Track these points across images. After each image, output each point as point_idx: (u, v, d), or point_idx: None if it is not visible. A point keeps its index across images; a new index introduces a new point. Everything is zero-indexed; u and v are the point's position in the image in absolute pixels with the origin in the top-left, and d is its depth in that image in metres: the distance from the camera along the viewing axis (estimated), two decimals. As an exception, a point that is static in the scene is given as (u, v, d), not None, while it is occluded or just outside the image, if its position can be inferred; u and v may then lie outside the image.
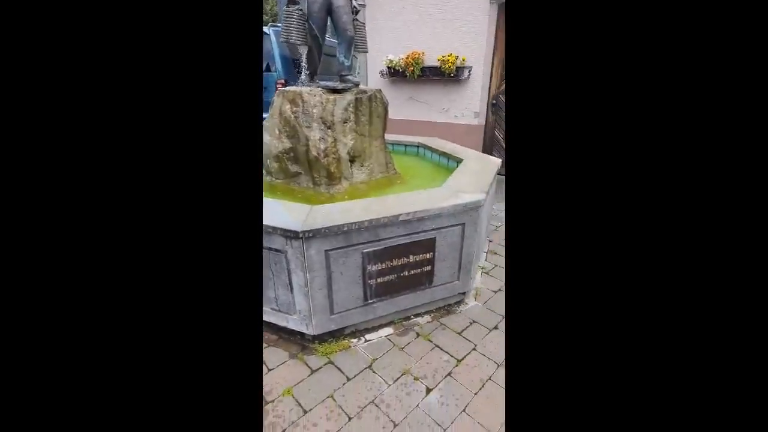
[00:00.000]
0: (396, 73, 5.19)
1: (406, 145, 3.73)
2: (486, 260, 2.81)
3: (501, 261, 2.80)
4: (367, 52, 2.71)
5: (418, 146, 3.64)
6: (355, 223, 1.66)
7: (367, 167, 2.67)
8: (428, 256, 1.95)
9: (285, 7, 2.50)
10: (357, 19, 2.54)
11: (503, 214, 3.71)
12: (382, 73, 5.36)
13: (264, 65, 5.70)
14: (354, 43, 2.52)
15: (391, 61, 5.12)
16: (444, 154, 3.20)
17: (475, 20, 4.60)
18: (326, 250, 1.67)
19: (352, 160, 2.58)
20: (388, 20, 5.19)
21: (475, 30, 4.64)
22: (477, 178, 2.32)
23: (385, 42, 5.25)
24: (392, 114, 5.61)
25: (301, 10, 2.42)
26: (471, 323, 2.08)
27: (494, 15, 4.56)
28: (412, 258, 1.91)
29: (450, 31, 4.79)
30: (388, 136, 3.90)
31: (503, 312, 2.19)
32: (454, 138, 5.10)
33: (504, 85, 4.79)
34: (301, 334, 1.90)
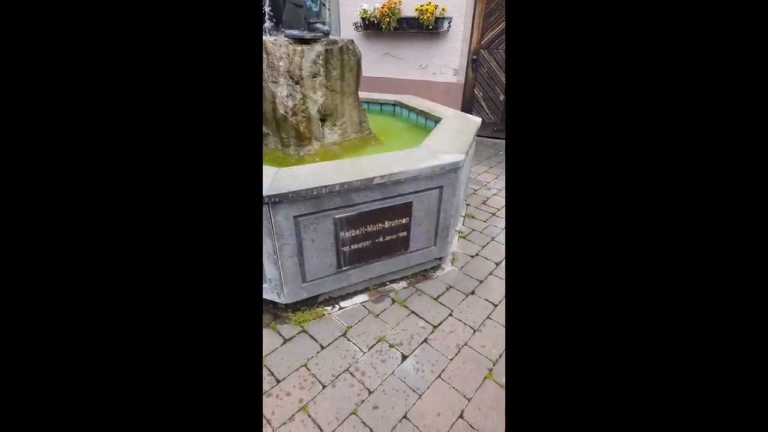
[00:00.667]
0: (371, 26, 4.81)
1: (381, 104, 3.51)
2: (463, 224, 2.77)
3: (479, 225, 2.77)
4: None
5: (394, 105, 3.44)
6: (325, 186, 1.53)
7: (340, 127, 2.49)
8: (404, 221, 1.87)
9: None
10: (322, -43, 2.23)
11: (482, 177, 3.65)
12: (356, 26, 4.96)
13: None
14: (320, -16, 2.23)
15: (365, 12, 4.72)
16: (421, 113, 3.04)
17: (456, -35, 4.25)
18: (295, 216, 1.55)
19: (323, 119, 2.39)
20: (362, -37, 4.72)
21: (457, -24, 4.30)
22: (456, 138, 2.20)
23: (359, -11, 4.81)
24: (367, 72, 5.29)
25: (260, -57, 2.09)
26: (447, 288, 2.06)
27: (477, -40, 4.22)
28: (387, 224, 1.81)
29: (429, -23, 4.41)
30: (363, 95, 3.66)
31: (480, 277, 2.18)
32: (432, 97, 4.89)
33: (484, 40, 4.55)
34: (274, 303, 1.81)
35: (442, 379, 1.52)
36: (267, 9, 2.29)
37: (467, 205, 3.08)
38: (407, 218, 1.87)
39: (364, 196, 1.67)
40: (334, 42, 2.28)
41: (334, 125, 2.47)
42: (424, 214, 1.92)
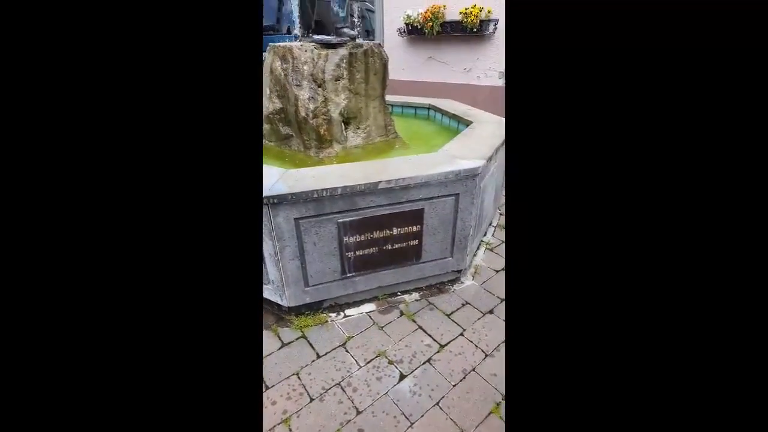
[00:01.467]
0: (414, 31, 4.75)
1: (416, 108, 3.43)
2: (493, 235, 2.56)
3: (509, 237, 2.54)
4: (366, 5, 2.39)
5: (428, 108, 3.33)
6: (326, 189, 1.48)
7: (364, 130, 2.44)
8: (415, 229, 1.75)
9: None
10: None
11: (521, 187, 3.37)
12: (399, 32, 4.93)
13: (284, 27, 5.43)
14: (349, -10, 2.22)
15: (409, 17, 4.68)
16: (454, 116, 2.89)
17: (504, -36, 4.03)
18: (296, 219, 1.52)
19: (346, 122, 2.36)
20: (408, -31, 4.69)
21: (505, -24, 4.08)
22: (482, 143, 2.03)
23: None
24: (410, 76, 5.23)
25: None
26: (463, 305, 1.90)
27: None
28: (396, 230, 1.71)
29: (475, -21, 4.24)
30: (397, 98, 3.62)
31: (503, 295, 1.97)
32: (476, 101, 4.68)
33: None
34: (278, 305, 1.80)
35: (440, 408, 1.37)
36: (296, 16, 2.33)
37: (500, 214, 2.85)
38: (418, 226, 1.75)
39: (369, 201, 1.59)
40: (359, 45, 2.25)
41: (358, 128, 2.43)
42: (438, 222, 1.79)
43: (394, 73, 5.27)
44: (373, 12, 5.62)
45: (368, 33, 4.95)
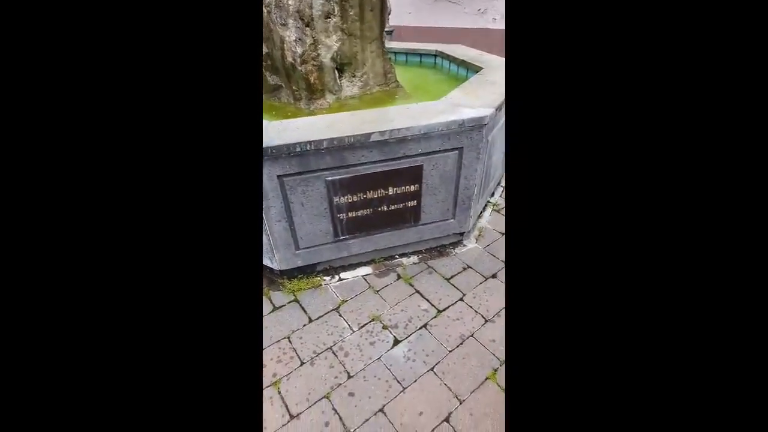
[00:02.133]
0: (422, -36, 4.24)
1: (421, 55, 3.11)
2: (501, 196, 2.40)
3: (518, 197, 2.37)
4: None
5: (435, 55, 3.01)
6: (310, 142, 1.32)
7: (360, 78, 2.21)
8: (413, 188, 1.60)
9: None
10: None
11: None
12: (406, -34, 4.42)
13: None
14: None
15: (416, -52, 4.15)
16: (462, 63, 2.61)
17: None
18: (279, 176, 1.38)
19: (340, 69, 2.13)
20: None
21: None
22: (492, 91, 1.81)
23: None
24: (418, 21, 4.78)
25: None
26: (464, 269, 1.79)
27: None
28: (392, 190, 1.57)
29: None
30: (401, 44, 3.29)
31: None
32: (491, 47, 4.27)
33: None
34: (270, 268, 1.72)
35: (435, 373, 1.31)
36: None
37: (510, 173, 2.66)
38: (416, 185, 1.59)
39: (361, 156, 1.43)
40: (353, -26, 1.95)
41: (354, 76, 2.20)
42: (438, 180, 1.63)
43: (399, 19, 4.82)
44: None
45: None
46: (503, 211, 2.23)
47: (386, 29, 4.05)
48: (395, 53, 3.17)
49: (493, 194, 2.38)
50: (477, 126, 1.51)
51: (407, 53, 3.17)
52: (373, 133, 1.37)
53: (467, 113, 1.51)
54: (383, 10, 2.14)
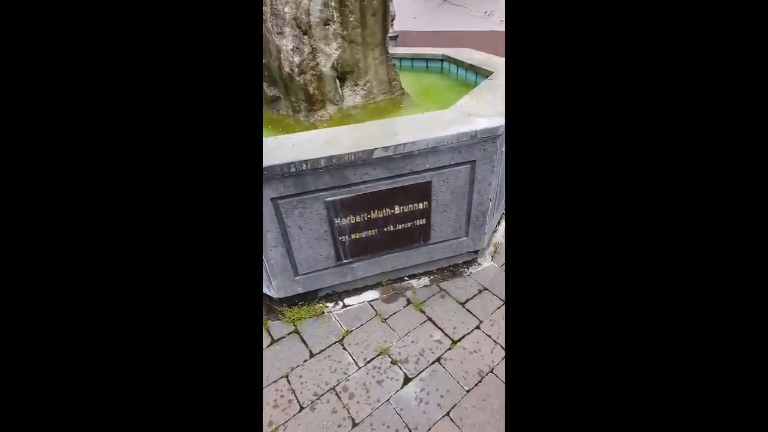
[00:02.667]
0: (426, -32, 4.14)
1: (428, 60, 2.98)
2: (516, 206, 2.23)
3: (535, 208, 2.20)
4: None
5: (442, 60, 2.88)
6: (306, 161, 1.19)
7: (363, 87, 2.09)
8: (421, 206, 1.46)
9: None
10: None
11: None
12: (409, -30, 4.32)
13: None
14: None
15: (419, -49, 4.05)
16: (471, 67, 2.47)
17: None
18: (273, 198, 1.25)
19: (341, 78, 2.01)
20: None
21: None
22: (503, 96, 1.66)
23: (413, -77, 4.12)
24: (423, 26, 4.67)
25: None
26: (480, 291, 1.63)
27: None
28: (398, 209, 1.43)
29: None
30: (406, 50, 3.17)
31: (526, 277, 1.69)
32: (498, 51, 4.13)
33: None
34: (268, 295, 1.59)
35: (451, 419, 1.16)
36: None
37: (525, 182, 2.49)
38: (425, 202, 1.45)
39: (364, 174, 1.30)
40: (352, -22, 1.83)
41: (356, 85, 2.08)
42: (449, 197, 1.49)
43: (404, 23, 4.72)
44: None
45: None
46: (519, 224, 2.06)
47: (390, 35, 3.94)
48: (400, 59, 3.05)
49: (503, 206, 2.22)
50: (491, 137, 1.37)
51: (413, 59, 3.05)
52: (376, 149, 1.24)
53: (480, 123, 1.36)
54: (386, 15, 2.02)
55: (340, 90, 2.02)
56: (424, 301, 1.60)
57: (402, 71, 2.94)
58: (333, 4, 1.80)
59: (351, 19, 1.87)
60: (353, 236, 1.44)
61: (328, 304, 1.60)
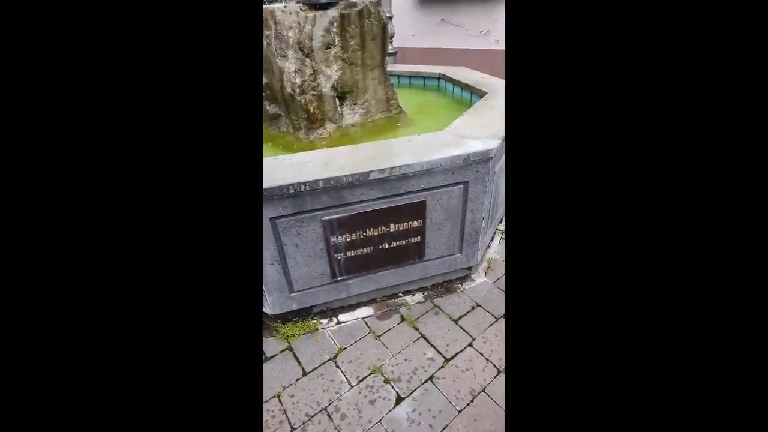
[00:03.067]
0: (425, -11, 4.26)
1: (425, 78, 3.06)
2: (510, 224, 2.27)
3: (529, 225, 2.24)
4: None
5: (438, 78, 2.96)
6: (304, 183, 1.23)
7: (362, 105, 2.15)
8: (416, 224, 1.49)
9: None
10: None
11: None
12: (409, -9, 4.45)
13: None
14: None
15: (418, -27, 4.19)
16: (467, 87, 2.54)
17: None
18: (272, 218, 1.29)
19: (341, 97, 2.07)
20: None
21: None
22: (497, 119, 1.71)
23: (413, -53, 4.27)
24: (421, 42, 4.78)
25: None
26: (473, 308, 1.66)
27: None
28: (393, 227, 1.46)
29: None
30: (404, 67, 3.25)
31: (519, 295, 1.71)
32: (494, 68, 4.23)
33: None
34: (263, 312, 1.61)
35: (443, 439, 1.17)
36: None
37: (519, 199, 2.54)
38: (420, 221, 1.49)
39: (360, 195, 1.33)
40: (353, 5, 1.91)
41: (355, 104, 2.13)
42: (443, 215, 1.52)
43: (403, 40, 4.83)
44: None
45: None
46: (513, 242, 2.10)
47: (390, 50, 4.04)
48: (398, 76, 3.13)
49: (502, 220, 2.26)
50: (483, 159, 1.41)
51: (411, 76, 3.13)
52: (372, 171, 1.28)
53: (473, 146, 1.41)
54: (384, 39, 2.09)
55: (339, 109, 2.07)
56: (418, 318, 1.62)
57: (401, 88, 3.02)
58: (335, 29, 1.87)
59: (351, 43, 1.94)
60: (349, 254, 1.47)
61: (322, 321, 1.62)
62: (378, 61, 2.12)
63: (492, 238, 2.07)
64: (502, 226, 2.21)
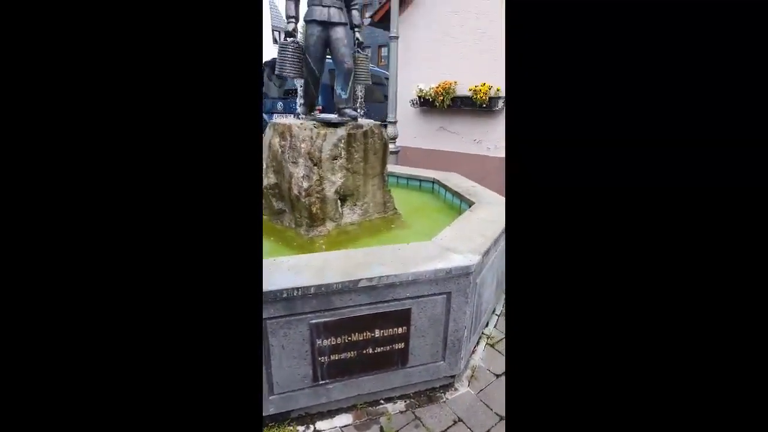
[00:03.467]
0: (426, 103, 4.94)
1: (421, 181, 3.38)
2: (496, 326, 2.31)
3: (515, 331, 2.27)
4: (369, 83, 2.45)
5: (433, 182, 3.27)
6: (298, 288, 1.34)
7: (361, 207, 2.37)
8: (401, 330, 1.56)
9: (281, 41, 2.36)
10: (359, 51, 2.31)
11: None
12: (412, 102, 5.14)
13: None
14: (353, 76, 2.28)
15: (421, 91, 4.90)
16: (456, 194, 2.80)
17: (512, 48, 4.23)
18: (262, 319, 1.36)
19: (342, 199, 2.30)
20: (421, 51, 5.01)
21: (513, 58, 4.26)
22: (480, 232, 1.89)
23: (417, 71, 5.05)
24: (422, 144, 5.33)
25: (297, 42, 2.25)
26: (455, 422, 1.62)
27: (535, 42, 4.15)
28: (378, 333, 1.52)
29: (485, 61, 4.46)
30: (403, 170, 3.61)
31: (501, 409, 1.69)
32: (486, 172, 4.66)
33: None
34: (241, 410, 1.57)
35: None
36: (299, 95, 2.40)
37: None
38: (404, 327, 1.56)
39: (348, 300, 1.43)
40: (359, 126, 2.26)
41: (355, 205, 2.36)
42: (427, 323, 1.60)
43: (407, 141, 5.39)
44: (387, 80, 5.96)
45: (385, 97, 5.19)
46: (498, 346, 2.11)
47: (393, 149, 4.48)
48: (398, 177, 3.46)
49: (487, 324, 2.30)
50: (464, 273, 1.54)
51: (408, 178, 3.46)
52: (362, 279, 1.40)
53: (455, 260, 1.55)
54: (385, 152, 2.41)
55: (340, 209, 2.28)
56: (398, 431, 1.57)
57: (399, 188, 3.32)
58: (342, 145, 2.18)
59: (356, 156, 2.23)
60: (332, 357, 1.50)
61: (299, 428, 1.57)
62: (378, 171, 2.41)
63: (477, 344, 2.10)
64: (488, 330, 2.25)
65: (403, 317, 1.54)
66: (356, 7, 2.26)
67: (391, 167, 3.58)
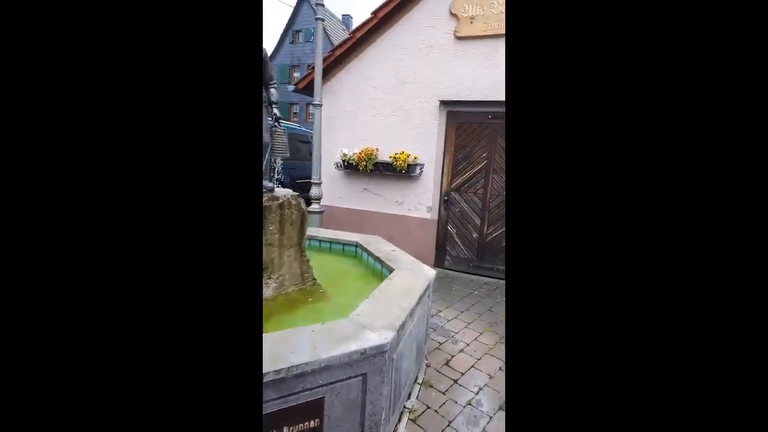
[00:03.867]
0: (350, 166, 5.17)
1: (344, 244, 3.41)
2: (417, 397, 2.29)
3: (437, 399, 2.28)
4: (287, 156, 2.51)
5: (356, 246, 3.32)
6: (191, 392, 1.18)
7: (276, 280, 2.27)
8: (313, 423, 1.45)
9: None
10: (276, 126, 2.38)
11: (450, 325, 3.27)
12: (337, 165, 5.34)
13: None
14: (270, 149, 2.33)
15: (345, 155, 5.13)
16: (378, 259, 2.88)
17: (426, 122, 4.77)
18: None
19: (256, 273, 2.18)
20: (344, 118, 5.35)
21: (427, 131, 4.79)
22: (396, 304, 1.94)
23: (342, 135, 5.34)
24: (347, 204, 5.46)
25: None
26: None
27: (443, 119, 4.75)
28: (286, 430, 1.39)
29: (403, 131, 4.92)
30: (325, 233, 3.62)
31: (423, 497, 1.61)
32: (409, 230, 4.90)
33: (454, 183, 4.79)
34: None
35: None
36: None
37: (427, 365, 2.64)
38: (317, 420, 1.45)
39: (253, 398, 1.30)
40: (275, 198, 2.25)
41: (269, 278, 2.26)
42: (342, 410, 1.52)
43: (332, 201, 5.49)
44: (309, 142, 6.13)
45: (311, 154, 5.30)
46: (420, 420, 2.08)
47: (318, 209, 4.49)
48: (320, 241, 3.44)
49: (409, 396, 2.26)
50: (379, 353, 1.54)
51: (331, 242, 3.46)
52: (268, 373, 1.30)
53: (370, 339, 1.55)
54: (303, 223, 2.41)
55: (252, 284, 2.16)
56: None
57: (321, 252, 3.30)
58: (255, 217, 2.13)
59: (271, 228, 2.19)
60: (233, 467, 1.31)
61: None
62: (295, 241, 2.38)
63: (399, 422, 2.04)
64: (410, 403, 2.21)
65: (315, 408, 1.44)
66: (273, 85, 2.37)
67: (314, 231, 3.57)
